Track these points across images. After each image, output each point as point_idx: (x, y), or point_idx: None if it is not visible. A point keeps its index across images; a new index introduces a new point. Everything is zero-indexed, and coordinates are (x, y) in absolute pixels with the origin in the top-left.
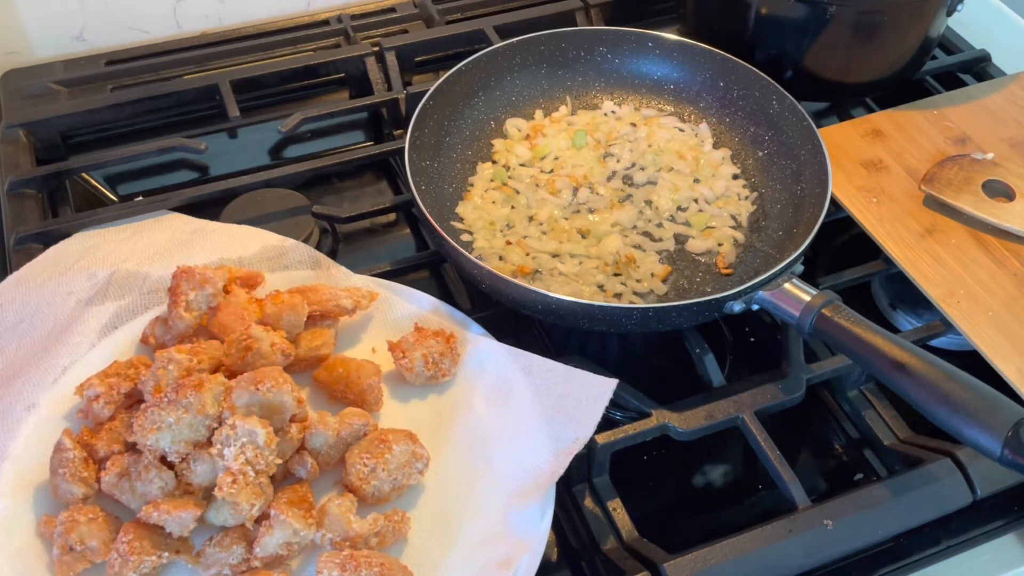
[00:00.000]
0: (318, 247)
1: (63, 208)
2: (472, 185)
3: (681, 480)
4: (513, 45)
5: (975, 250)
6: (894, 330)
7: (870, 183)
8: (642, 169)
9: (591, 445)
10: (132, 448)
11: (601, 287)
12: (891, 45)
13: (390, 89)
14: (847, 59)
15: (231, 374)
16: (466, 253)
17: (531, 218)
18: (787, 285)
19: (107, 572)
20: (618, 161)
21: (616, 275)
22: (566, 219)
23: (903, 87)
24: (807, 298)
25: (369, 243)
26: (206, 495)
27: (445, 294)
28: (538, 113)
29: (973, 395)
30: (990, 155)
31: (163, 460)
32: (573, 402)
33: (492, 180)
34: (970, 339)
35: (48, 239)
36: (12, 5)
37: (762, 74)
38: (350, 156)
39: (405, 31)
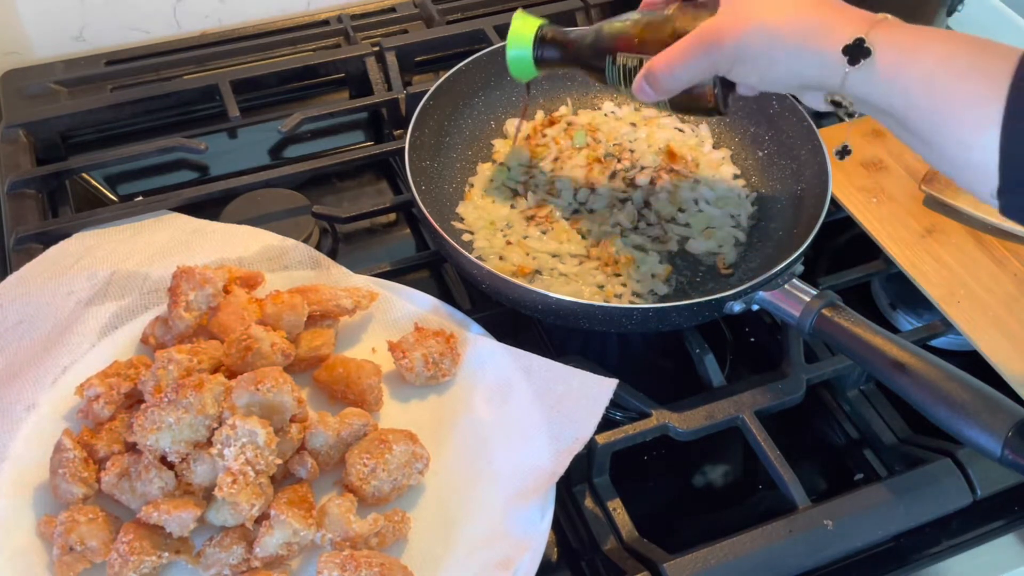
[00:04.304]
0: (318, 247)
1: (63, 208)
2: (472, 185)
3: (681, 480)
4: None
5: (975, 250)
6: (894, 330)
7: (870, 183)
8: (642, 169)
9: (591, 445)
10: (132, 448)
11: (601, 287)
12: None
13: (390, 89)
14: None
15: (231, 374)
16: (466, 253)
17: (531, 218)
18: (787, 285)
19: (107, 572)
20: (618, 161)
21: (616, 275)
22: (566, 219)
23: None
24: (807, 298)
25: (369, 243)
26: (206, 495)
27: (445, 294)
28: (539, 113)
29: (973, 395)
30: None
31: (163, 460)
32: (573, 402)
33: (492, 180)
34: (970, 339)
35: (48, 239)
36: (12, 5)
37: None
38: (350, 156)
39: (405, 31)
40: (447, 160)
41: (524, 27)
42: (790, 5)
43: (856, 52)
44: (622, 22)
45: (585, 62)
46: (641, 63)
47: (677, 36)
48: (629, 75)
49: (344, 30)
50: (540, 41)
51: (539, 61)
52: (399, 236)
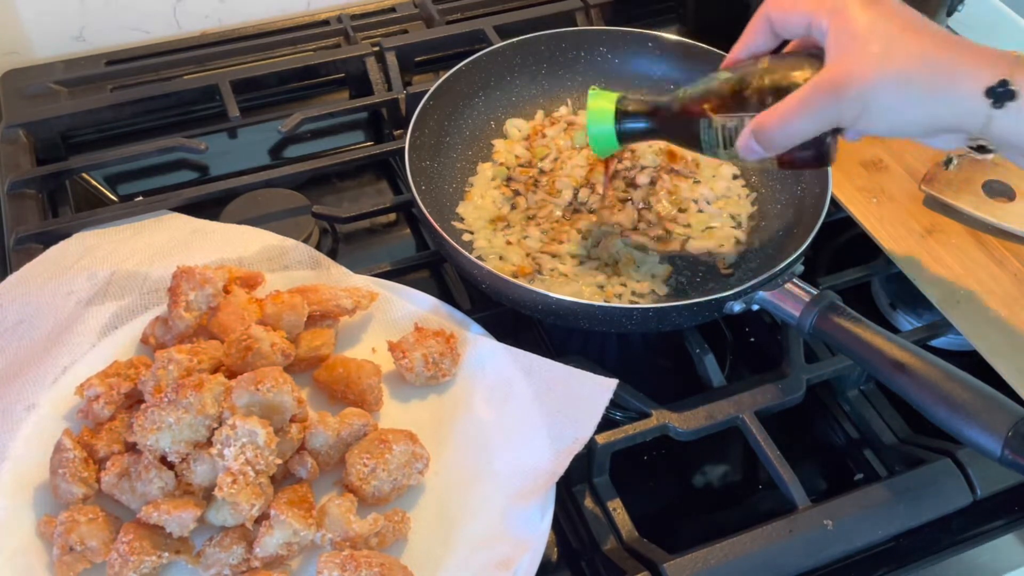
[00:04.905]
0: (318, 247)
1: (63, 208)
2: (472, 185)
3: (681, 480)
4: (513, 45)
5: (975, 250)
6: (894, 330)
7: (870, 183)
8: (642, 169)
9: (591, 445)
10: (132, 448)
11: (601, 287)
12: None
13: (390, 89)
14: None
15: (231, 374)
16: (466, 253)
17: (531, 218)
18: (787, 285)
19: (107, 572)
20: (619, 162)
21: (616, 275)
22: (566, 219)
23: None
24: (807, 298)
25: (369, 243)
26: (206, 495)
27: (445, 294)
28: (538, 113)
29: (973, 395)
30: (990, 155)
31: (163, 460)
32: (573, 402)
33: (492, 180)
34: (970, 339)
35: (48, 239)
36: (12, 5)
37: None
38: (350, 156)
39: (405, 31)
40: (447, 160)
41: (602, 102)
42: (916, 47)
43: (1001, 95)
44: (712, 82)
45: (673, 129)
46: (742, 121)
47: (778, 89)
48: (729, 136)
49: (344, 30)
50: (622, 114)
51: (622, 135)
52: (399, 236)
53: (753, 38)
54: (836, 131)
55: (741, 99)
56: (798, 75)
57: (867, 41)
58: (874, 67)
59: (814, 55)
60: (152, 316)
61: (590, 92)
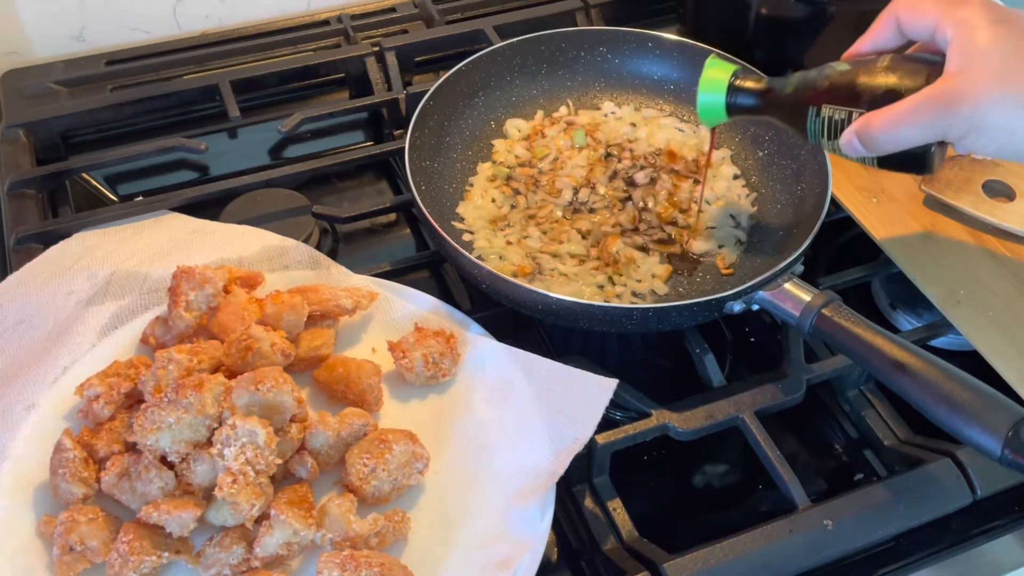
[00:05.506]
0: (318, 247)
1: (63, 208)
2: (472, 185)
3: (681, 480)
4: (513, 45)
5: (975, 250)
6: (894, 330)
7: (870, 183)
8: (642, 169)
9: (591, 445)
10: (132, 448)
11: (601, 287)
12: None
13: (390, 89)
14: None
15: (231, 374)
16: (466, 253)
17: (531, 218)
18: (787, 285)
19: (107, 572)
20: (619, 161)
21: (616, 275)
22: (566, 219)
23: None
24: (807, 298)
25: (369, 243)
26: (206, 495)
27: (445, 294)
28: (538, 113)
29: (973, 395)
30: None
31: (163, 460)
32: (573, 402)
33: (492, 180)
34: (970, 339)
35: (48, 239)
36: (12, 5)
37: (762, 74)
38: (350, 156)
39: (405, 31)
40: (447, 160)
41: (718, 72)
42: None
43: None
44: (828, 71)
45: (782, 112)
46: (850, 116)
47: (892, 91)
48: (835, 128)
49: (344, 30)
50: (734, 88)
51: (731, 108)
52: (399, 236)
53: (879, 34)
54: (942, 142)
55: (853, 94)
56: (914, 81)
57: (988, 58)
58: (990, 86)
59: (936, 62)
60: (152, 316)
61: (708, 60)
